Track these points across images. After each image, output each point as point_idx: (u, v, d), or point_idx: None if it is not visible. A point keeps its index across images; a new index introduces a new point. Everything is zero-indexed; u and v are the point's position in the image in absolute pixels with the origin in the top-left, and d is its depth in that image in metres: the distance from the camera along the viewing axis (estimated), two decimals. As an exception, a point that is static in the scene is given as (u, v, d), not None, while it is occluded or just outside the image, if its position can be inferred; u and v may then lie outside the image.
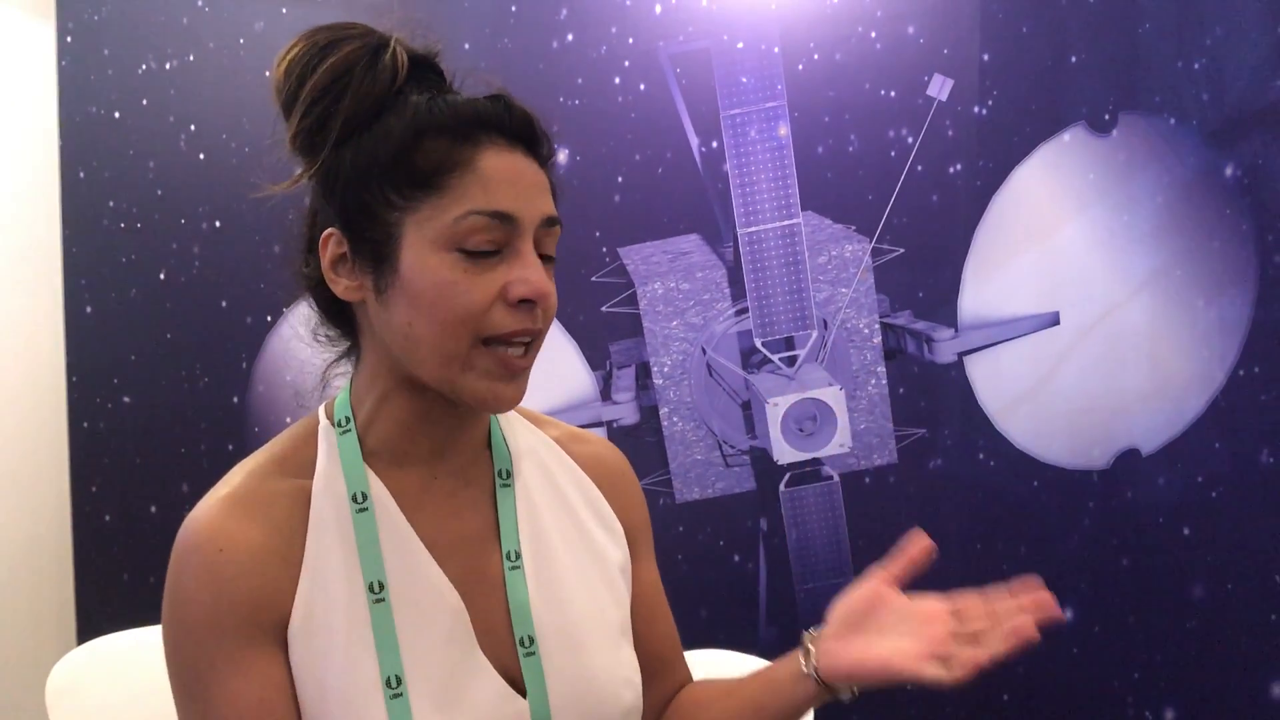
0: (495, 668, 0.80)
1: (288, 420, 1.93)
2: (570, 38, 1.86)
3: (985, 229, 1.78)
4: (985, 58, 1.77)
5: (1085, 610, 1.77)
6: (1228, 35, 1.66)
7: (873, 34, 1.79)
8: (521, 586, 0.83)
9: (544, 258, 0.79)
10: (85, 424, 2.00)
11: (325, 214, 0.80)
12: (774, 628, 1.88)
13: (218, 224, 1.96)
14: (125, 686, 1.24)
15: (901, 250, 1.81)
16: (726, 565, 1.88)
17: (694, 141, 1.84)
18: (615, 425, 1.89)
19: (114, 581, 2.00)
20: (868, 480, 1.84)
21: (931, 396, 1.82)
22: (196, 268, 1.97)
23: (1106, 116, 1.73)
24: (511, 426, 0.91)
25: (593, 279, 1.87)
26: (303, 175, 0.81)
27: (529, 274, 0.76)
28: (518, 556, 0.84)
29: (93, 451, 2.01)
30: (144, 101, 1.97)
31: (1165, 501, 1.72)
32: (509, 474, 0.87)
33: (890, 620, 0.80)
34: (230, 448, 1.98)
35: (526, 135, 0.79)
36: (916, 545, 0.82)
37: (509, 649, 0.82)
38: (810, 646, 0.82)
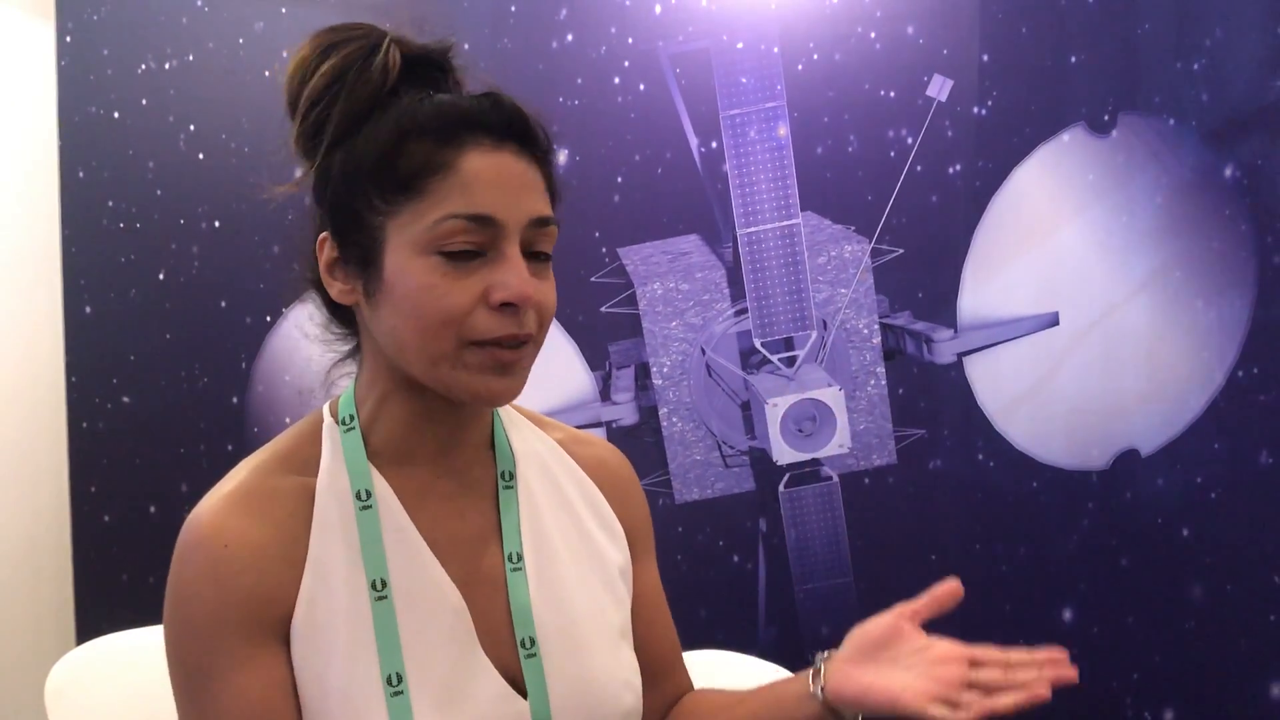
0: (496, 668, 0.80)
1: (287, 420, 1.94)
2: (570, 38, 1.86)
3: (984, 229, 1.79)
4: (985, 58, 1.77)
5: (1084, 611, 1.77)
6: (1227, 35, 1.66)
7: (872, 34, 1.79)
8: (523, 588, 0.83)
9: (537, 255, 0.78)
10: (85, 424, 2.00)
11: (320, 217, 0.81)
12: (773, 628, 1.88)
13: (217, 224, 1.96)
14: (124, 687, 1.23)
15: (901, 251, 1.81)
16: (726, 566, 1.88)
17: (693, 142, 1.84)
18: (614, 426, 1.89)
19: (113, 582, 2.00)
20: (867, 481, 1.85)
21: (931, 397, 1.82)
22: (196, 268, 1.97)
23: (1106, 117, 1.73)
24: (515, 428, 0.91)
25: (592, 279, 1.87)
26: (303, 178, 0.81)
27: (510, 278, 0.75)
28: (520, 558, 0.84)
29: (92, 452, 2.01)
30: (143, 101, 1.97)
31: (1164, 502, 1.72)
32: (512, 475, 0.87)
33: (905, 655, 0.79)
34: (230, 448, 1.98)
35: (517, 132, 0.78)
36: (945, 588, 0.81)
37: (510, 650, 0.82)
38: (821, 668, 0.82)
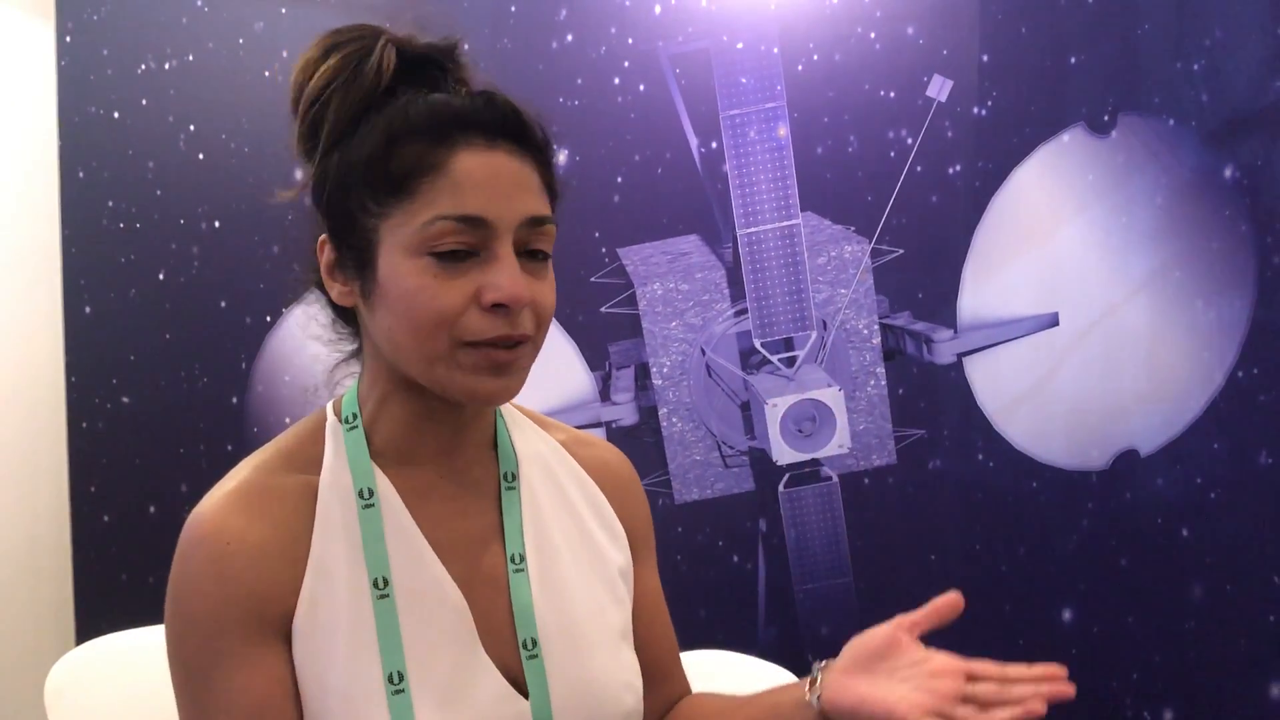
0: (497, 668, 0.80)
1: (287, 420, 1.94)
2: (570, 38, 1.86)
3: (984, 230, 1.79)
4: (984, 59, 1.77)
5: (1084, 611, 1.77)
6: (1227, 36, 1.66)
7: (872, 35, 1.79)
8: (525, 589, 0.83)
9: (535, 255, 0.78)
10: (84, 424, 2.00)
11: (319, 220, 0.81)
12: (773, 628, 1.88)
13: (217, 224, 1.96)
14: (124, 687, 1.24)
15: (901, 251, 1.81)
16: (725, 565, 1.88)
17: (693, 142, 1.84)
18: (614, 426, 1.89)
19: (113, 582, 2.00)
20: (867, 481, 1.85)
21: (931, 397, 1.82)
22: (196, 268, 1.97)
23: (1106, 117, 1.73)
24: (517, 429, 0.91)
25: (592, 279, 1.87)
26: (305, 182, 0.81)
27: (501, 279, 0.74)
28: (522, 559, 0.84)
29: (92, 452, 2.01)
30: (143, 101, 1.97)
31: (1164, 502, 1.72)
32: (514, 476, 0.87)
33: (902, 667, 0.79)
34: (229, 448, 1.98)
35: (512, 131, 0.77)
36: (945, 601, 0.81)
37: (511, 650, 0.82)
38: (818, 677, 0.82)
